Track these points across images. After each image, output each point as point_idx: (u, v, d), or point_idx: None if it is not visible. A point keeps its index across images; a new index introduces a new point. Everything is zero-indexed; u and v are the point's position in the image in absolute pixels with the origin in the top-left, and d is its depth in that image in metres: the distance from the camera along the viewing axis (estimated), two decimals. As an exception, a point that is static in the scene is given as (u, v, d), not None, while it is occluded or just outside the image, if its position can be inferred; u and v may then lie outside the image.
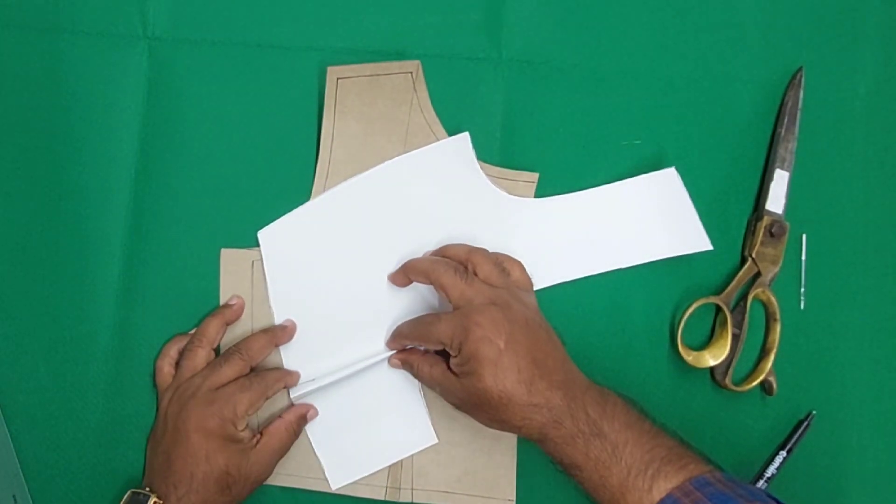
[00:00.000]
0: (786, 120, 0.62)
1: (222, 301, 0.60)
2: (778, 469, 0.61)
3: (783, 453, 0.61)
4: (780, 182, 0.62)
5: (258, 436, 0.57)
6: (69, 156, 0.60)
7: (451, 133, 0.61)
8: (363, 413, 0.59)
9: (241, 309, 0.60)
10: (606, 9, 0.63)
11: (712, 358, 0.60)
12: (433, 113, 0.61)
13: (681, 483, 0.49)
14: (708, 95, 0.63)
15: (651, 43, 0.63)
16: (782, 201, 0.62)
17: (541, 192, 0.61)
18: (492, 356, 0.52)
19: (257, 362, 0.58)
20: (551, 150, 0.62)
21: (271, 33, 0.62)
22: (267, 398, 0.57)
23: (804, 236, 0.63)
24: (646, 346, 0.62)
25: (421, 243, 0.60)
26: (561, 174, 0.62)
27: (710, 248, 0.59)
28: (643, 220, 0.61)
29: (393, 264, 0.60)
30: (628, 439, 0.51)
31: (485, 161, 0.61)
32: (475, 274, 0.56)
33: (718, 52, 0.63)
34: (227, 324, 0.59)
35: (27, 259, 0.60)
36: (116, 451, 0.59)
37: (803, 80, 0.63)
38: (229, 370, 0.56)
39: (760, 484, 0.60)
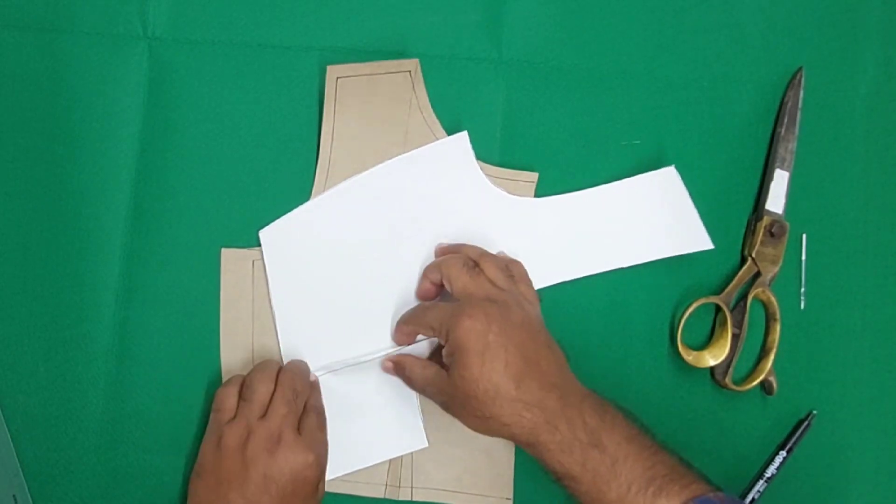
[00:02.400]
0: (786, 120, 0.62)
1: (223, 301, 0.60)
2: (778, 469, 0.61)
3: (783, 453, 0.61)
4: (779, 182, 0.62)
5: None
6: (69, 156, 0.60)
7: (450, 133, 0.61)
8: (355, 409, 0.59)
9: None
10: (606, 9, 0.63)
11: (712, 358, 0.60)
12: (432, 112, 0.61)
13: (683, 502, 0.47)
14: (708, 95, 0.63)
15: (651, 43, 0.63)
16: (782, 201, 0.62)
17: (541, 192, 0.61)
18: (478, 347, 0.51)
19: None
20: (551, 150, 0.62)
21: (271, 33, 0.62)
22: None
23: (804, 236, 0.63)
24: (646, 346, 0.61)
25: (421, 242, 0.60)
26: (561, 174, 0.62)
27: (712, 246, 0.59)
28: (643, 220, 0.60)
29: (393, 263, 0.60)
30: (629, 453, 0.49)
31: (485, 161, 0.61)
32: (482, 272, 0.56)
33: (718, 52, 0.63)
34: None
35: (27, 259, 0.60)
36: (116, 451, 0.59)
37: (803, 80, 0.63)
38: (301, 404, 0.56)
39: (760, 484, 0.60)
